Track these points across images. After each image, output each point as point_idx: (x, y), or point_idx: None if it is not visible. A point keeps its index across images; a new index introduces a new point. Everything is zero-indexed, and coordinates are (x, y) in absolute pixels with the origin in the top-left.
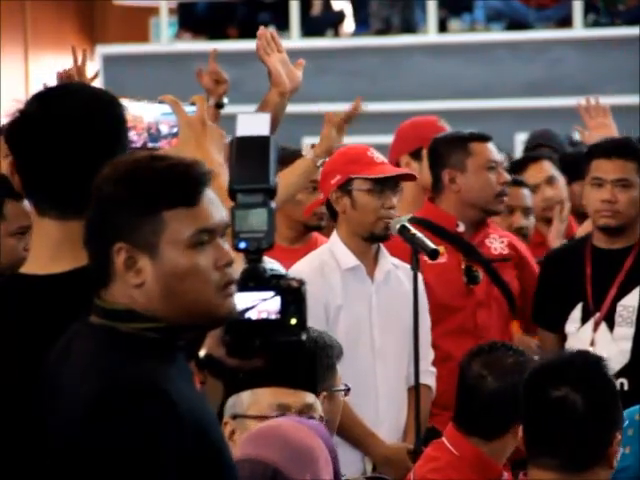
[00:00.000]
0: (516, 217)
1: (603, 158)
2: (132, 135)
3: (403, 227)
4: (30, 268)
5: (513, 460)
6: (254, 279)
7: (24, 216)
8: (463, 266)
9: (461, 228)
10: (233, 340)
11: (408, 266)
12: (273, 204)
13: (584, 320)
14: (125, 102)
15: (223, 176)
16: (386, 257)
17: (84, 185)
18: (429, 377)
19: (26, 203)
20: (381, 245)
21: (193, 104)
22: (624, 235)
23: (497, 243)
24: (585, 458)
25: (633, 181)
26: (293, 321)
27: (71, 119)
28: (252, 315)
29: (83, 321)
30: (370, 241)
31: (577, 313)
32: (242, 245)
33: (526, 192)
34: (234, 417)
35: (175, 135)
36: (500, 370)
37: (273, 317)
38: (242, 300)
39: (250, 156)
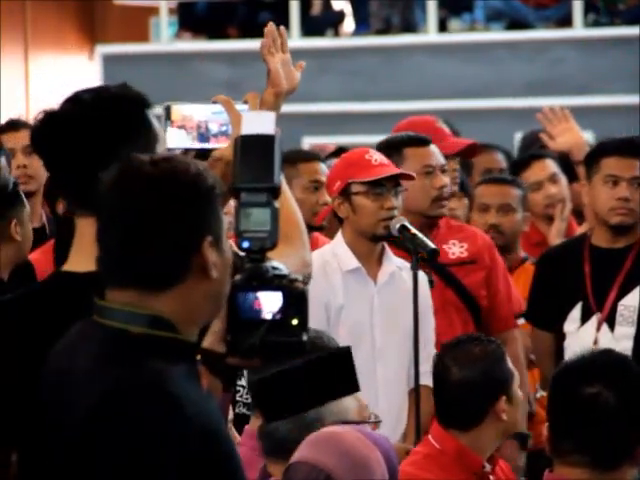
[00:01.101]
0: (490, 215)
1: (617, 156)
2: (182, 134)
3: (403, 227)
4: (71, 266)
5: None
6: (257, 278)
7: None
8: None
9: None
10: (234, 339)
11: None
12: (277, 203)
13: (584, 319)
14: (175, 105)
15: None
16: (391, 259)
17: (93, 182)
18: (431, 378)
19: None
20: (386, 246)
21: (246, 102)
22: (627, 234)
23: (456, 248)
24: (616, 456)
25: None
26: (294, 322)
27: (76, 120)
28: (254, 314)
29: (87, 321)
30: (374, 241)
31: (577, 312)
32: (245, 244)
33: (510, 190)
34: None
35: (224, 133)
36: (465, 360)
37: (274, 317)
38: (245, 299)
39: (254, 155)
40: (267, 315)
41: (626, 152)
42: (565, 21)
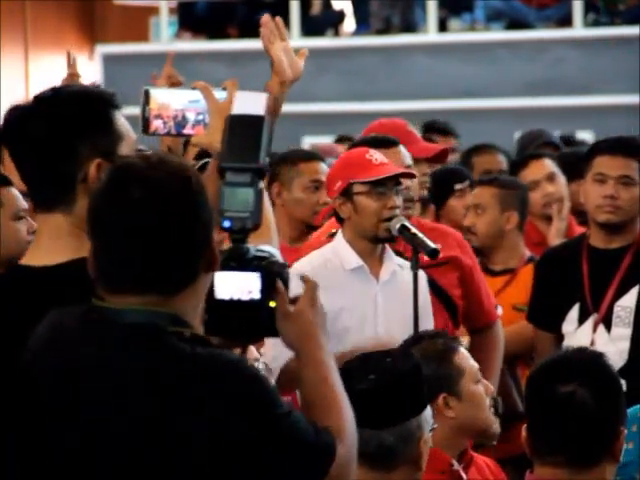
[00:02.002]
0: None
1: (607, 155)
2: (159, 123)
3: (403, 227)
4: (28, 260)
5: (511, 457)
6: (236, 259)
7: (20, 200)
8: None
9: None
10: (211, 319)
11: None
12: (261, 184)
13: (581, 320)
14: (153, 90)
15: None
16: (392, 258)
17: (54, 176)
18: None
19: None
20: (387, 245)
21: (224, 89)
22: (622, 234)
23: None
24: (594, 453)
25: (635, 179)
26: (272, 304)
27: (57, 117)
28: (232, 295)
29: (83, 321)
30: (375, 243)
31: (574, 313)
32: (226, 224)
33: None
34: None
35: (201, 122)
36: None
37: (252, 298)
38: (223, 279)
39: (242, 135)
40: (245, 296)
41: (617, 151)
42: (565, 21)
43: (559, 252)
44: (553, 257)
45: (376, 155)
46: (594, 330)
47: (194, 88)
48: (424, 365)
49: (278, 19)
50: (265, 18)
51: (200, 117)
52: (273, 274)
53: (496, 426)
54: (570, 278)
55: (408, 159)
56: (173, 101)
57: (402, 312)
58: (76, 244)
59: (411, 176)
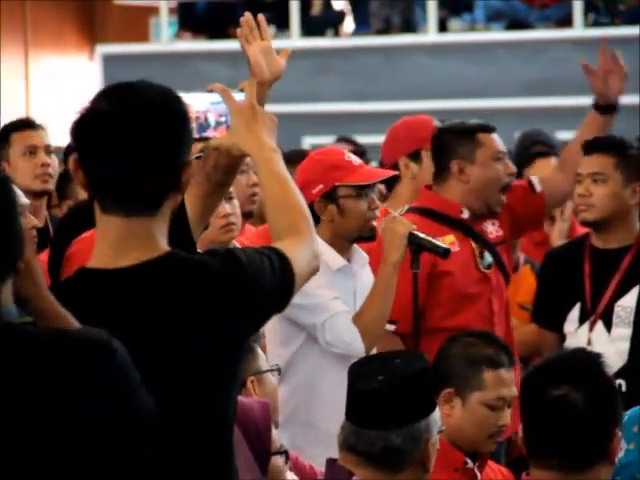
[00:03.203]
0: None
1: (585, 155)
2: None
3: (411, 235)
4: (95, 263)
5: (512, 459)
6: None
7: (22, 197)
8: (477, 252)
9: (465, 215)
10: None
11: (359, 248)
12: None
13: (582, 320)
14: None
15: (277, 161)
16: (358, 251)
17: (150, 183)
18: None
19: None
20: None
21: (242, 91)
22: (617, 234)
23: (490, 227)
24: (586, 456)
25: (609, 175)
26: None
27: (138, 116)
28: None
29: None
30: (356, 242)
31: (575, 313)
32: None
33: None
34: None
35: (222, 124)
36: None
37: None
38: None
39: None
40: None
41: (592, 149)
42: (565, 21)
43: (562, 252)
44: (556, 257)
45: (353, 156)
46: (591, 330)
47: (210, 91)
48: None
49: (260, 17)
50: (245, 17)
51: (222, 119)
52: None
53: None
54: (572, 278)
55: (503, 146)
56: (195, 103)
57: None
58: (146, 246)
59: (396, 178)
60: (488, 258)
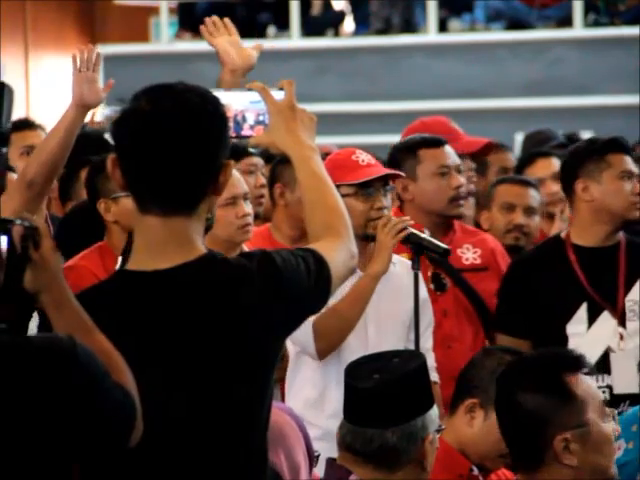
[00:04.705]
0: (516, 215)
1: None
2: None
3: (410, 235)
4: (135, 265)
5: None
6: None
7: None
8: (430, 273)
9: (426, 234)
10: None
11: (407, 261)
12: (5, 149)
13: (591, 319)
14: (215, 92)
15: (316, 160)
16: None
17: (189, 182)
18: (433, 373)
19: None
20: None
21: (281, 89)
22: (613, 232)
23: (469, 253)
24: (531, 458)
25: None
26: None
27: (180, 116)
28: None
29: None
30: (363, 241)
31: (582, 313)
32: None
33: (532, 192)
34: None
35: (261, 123)
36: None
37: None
38: None
39: None
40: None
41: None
42: (565, 21)
43: (537, 257)
44: (531, 263)
45: (362, 156)
46: (623, 325)
47: (249, 89)
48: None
49: (226, 20)
50: (211, 18)
51: (260, 118)
52: (22, 237)
53: None
54: (556, 281)
55: (456, 158)
56: (234, 102)
57: (394, 308)
58: (184, 247)
59: (398, 176)
60: (443, 281)
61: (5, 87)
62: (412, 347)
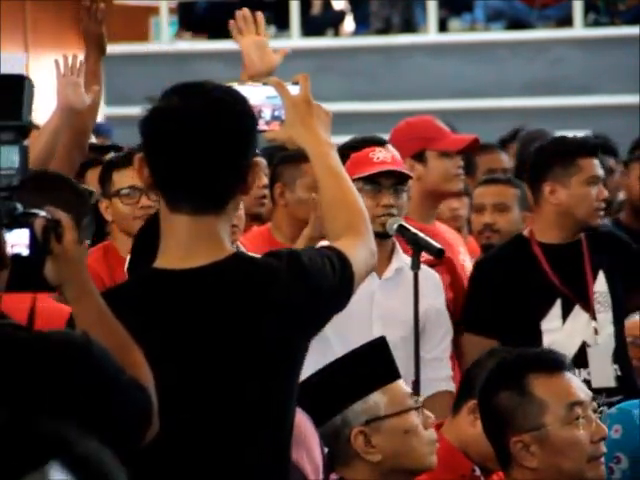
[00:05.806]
0: (484, 215)
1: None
2: None
3: (401, 227)
4: (165, 263)
5: None
6: (6, 216)
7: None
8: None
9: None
10: (10, 275)
11: (424, 266)
12: (26, 142)
13: (564, 315)
14: (233, 84)
15: (333, 156)
16: (400, 256)
17: (219, 181)
18: (450, 382)
19: None
20: (396, 243)
21: (296, 83)
22: (578, 228)
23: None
24: (501, 458)
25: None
26: (43, 258)
27: (211, 115)
28: (14, 250)
29: None
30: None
31: (557, 309)
32: None
33: (501, 189)
34: (368, 422)
35: (277, 118)
36: None
37: (23, 253)
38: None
39: (3, 94)
40: (25, 251)
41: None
42: (565, 21)
43: (502, 257)
44: (499, 263)
45: (380, 154)
46: (594, 319)
47: (265, 84)
48: None
49: (259, 15)
50: (242, 11)
51: (276, 113)
52: (41, 229)
53: None
54: (526, 278)
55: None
56: (252, 97)
57: (402, 311)
58: (213, 246)
59: (408, 177)
60: None
61: (26, 81)
62: (422, 352)
